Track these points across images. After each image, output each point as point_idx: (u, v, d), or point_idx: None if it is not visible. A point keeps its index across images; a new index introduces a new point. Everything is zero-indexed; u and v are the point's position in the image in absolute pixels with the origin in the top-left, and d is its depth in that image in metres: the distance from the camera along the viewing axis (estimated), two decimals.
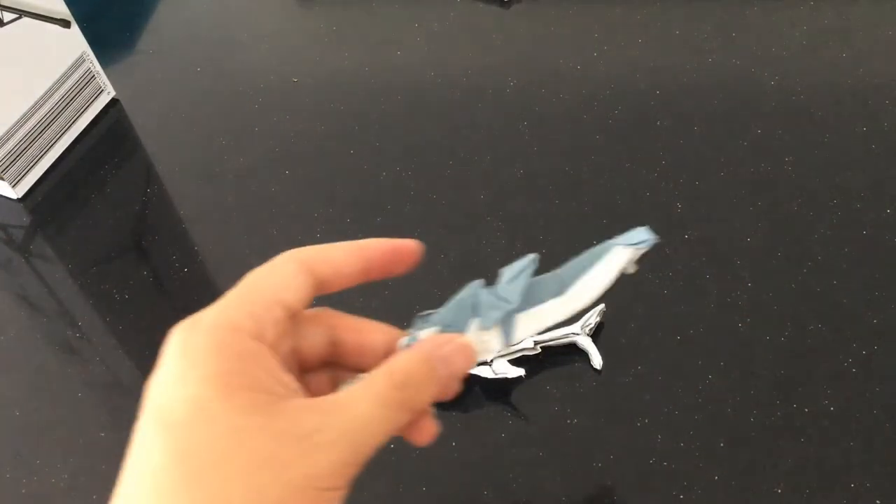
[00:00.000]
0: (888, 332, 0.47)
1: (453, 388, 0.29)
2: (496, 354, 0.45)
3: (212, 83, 0.65)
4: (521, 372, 0.45)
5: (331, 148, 0.60)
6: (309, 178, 0.58)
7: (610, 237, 0.36)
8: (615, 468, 0.43)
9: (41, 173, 0.60)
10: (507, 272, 0.31)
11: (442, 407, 0.45)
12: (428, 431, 0.30)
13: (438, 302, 0.32)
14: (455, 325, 0.30)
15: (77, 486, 0.45)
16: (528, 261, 0.31)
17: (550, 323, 0.31)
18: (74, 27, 0.58)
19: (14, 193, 0.58)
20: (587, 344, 0.47)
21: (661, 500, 0.42)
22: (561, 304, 0.31)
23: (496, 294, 0.30)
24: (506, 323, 0.30)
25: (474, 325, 0.30)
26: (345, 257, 0.29)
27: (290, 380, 0.26)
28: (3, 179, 0.57)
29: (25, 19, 0.54)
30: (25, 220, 0.58)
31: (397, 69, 0.65)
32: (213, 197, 0.57)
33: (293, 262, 0.28)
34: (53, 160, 0.60)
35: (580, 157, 0.57)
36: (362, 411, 0.26)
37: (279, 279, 0.28)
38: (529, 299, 0.30)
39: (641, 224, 0.37)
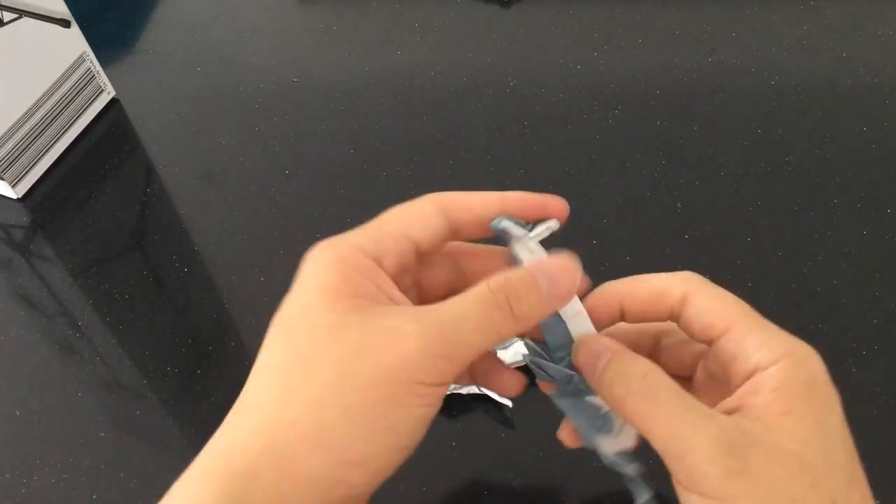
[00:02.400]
0: (888, 332, 0.47)
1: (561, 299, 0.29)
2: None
3: (212, 83, 0.65)
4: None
5: (331, 148, 0.59)
6: (309, 178, 0.58)
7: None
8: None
9: (41, 173, 0.60)
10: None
11: (442, 408, 0.45)
12: (515, 381, 0.31)
13: None
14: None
15: (77, 486, 0.45)
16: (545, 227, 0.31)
17: None
18: (74, 27, 0.58)
19: (14, 193, 0.58)
20: None
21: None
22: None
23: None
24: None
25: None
26: (483, 206, 0.31)
27: (400, 297, 0.28)
28: (3, 179, 0.57)
29: (25, 19, 0.54)
30: (25, 220, 0.58)
31: (397, 69, 0.65)
32: (213, 197, 0.57)
33: (431, 203, 0.30)
34: (53, 160, 0.60)
35: (580, 156, 0.57)
36: (457, 307, 0.27)
37: (413, 216, 0.30)
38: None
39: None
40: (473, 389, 0.44)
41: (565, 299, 0.29)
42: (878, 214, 0.52)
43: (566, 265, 0.29)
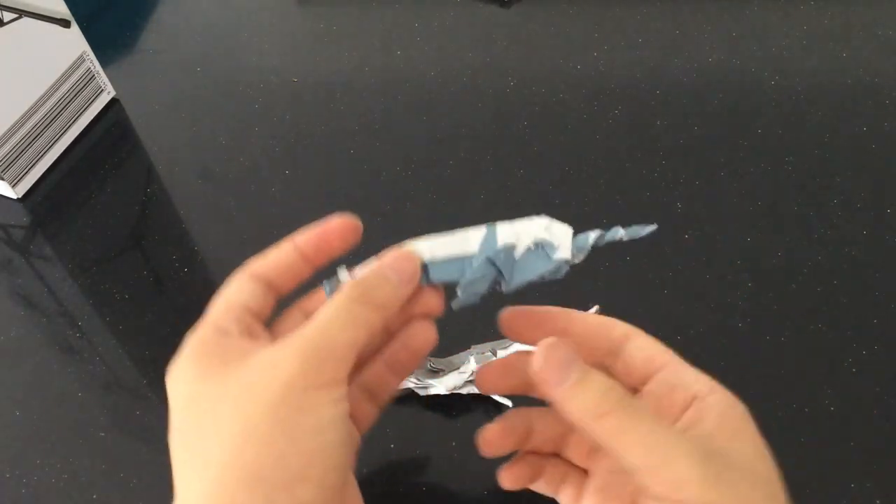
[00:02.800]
0: (888, 332, 0.47)
1: (427, 298, 0.32)
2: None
3: (212, 83, 0.65)
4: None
5: (331, 148, 0.59)
6: (309, 178, 0.58)
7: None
8: None
9: (41, 173, 0.60)
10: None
11: (442, 408, 0.45)
12: (428, 302, 0.33)
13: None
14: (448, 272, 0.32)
15: (77, 486, 0.45)
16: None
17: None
18: (74, 27, 0.58)
19: (14, 193, 0.58)
20: None
21: None
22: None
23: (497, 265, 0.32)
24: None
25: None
26: (279, 254, 0.34)
27: (268, 339, 0.31)
28: (3, 179, 0.57)
29: (25, 19, 0.54)
30: (25, 220, 0.58)
31: (397, 69, 0.65)
32: (213, 197, 0.57)
33: (242, 274, 0.34)
34: (53, 160, 0.60)
35: (580, 156, 0.57)
36: (320, 316, 0.29)
37: (233, 289, 0.33)
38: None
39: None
40: (473, 389, 0.44)
41: (413, 278, 0.32)
42: (878, 214, 0.52)
43: (402, 252, 0.32)
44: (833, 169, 0.55)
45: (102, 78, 0.63)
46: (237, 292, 0.33)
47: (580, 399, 0.28)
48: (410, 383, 0.44)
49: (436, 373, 0.43)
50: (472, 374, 0.44)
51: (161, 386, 0.51)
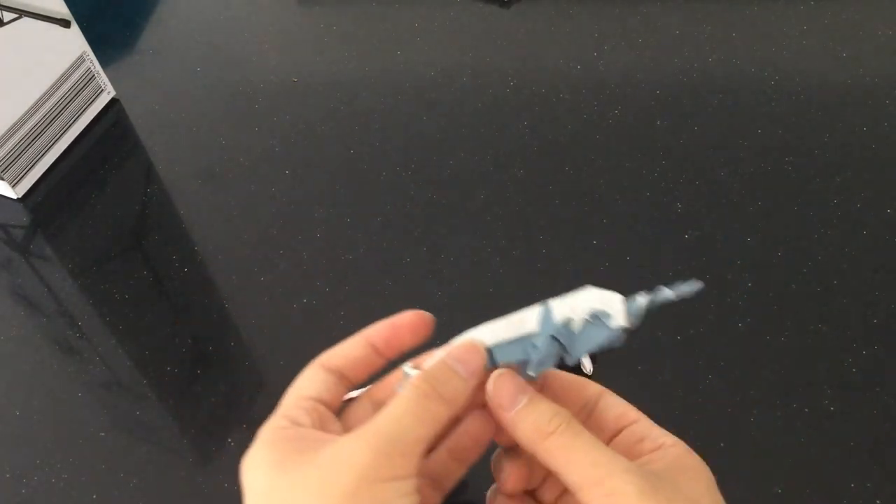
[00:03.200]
0: (888, 332, 0.47)
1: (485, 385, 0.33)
2: None
3: (212, 83, 0.65)
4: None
5: (331, 148, 0.60)
6: (309, 178, 0.58)
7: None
8: None
9: (41, 173, 0.60)
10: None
11: None
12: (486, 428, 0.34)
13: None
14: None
15: (77, 486, 0.45)
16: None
17: None
18: (74, 27, 0.58)
19: (14, 193, 0.58)
20: None
21: None
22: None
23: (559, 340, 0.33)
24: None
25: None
26: (351, 347, 0.35)
27: (340, 430, 0.33)
28: (3, 179, 0.57)
29: (25, 19, 0.54)
30: (25, 220, 0.58)
31: (397, 69, 0.65)
32: (213, 197, 0.57)
33: (314, 365, 0.35)
34: (53, 160, 0.60)
35: (580, 157, 0.57)
36: (391, 410, 0.30)
37: (305, 380, 0.34)
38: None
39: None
40: None
41: (479, 370, 0.33)
42: (878, 214, 0.52)
43: (468, 343, 0.33)
44: (833, 169, 0.55)
45: (102, 78, 0.63)
46: (309, 384, 0.34)
47: (528, 421, 0.31)
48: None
49: None
50: None
51: (162, 386, 0.51)
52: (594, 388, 0.35)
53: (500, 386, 0.32)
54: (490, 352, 0.33)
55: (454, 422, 0.35)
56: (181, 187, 0.58)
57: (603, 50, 0.64)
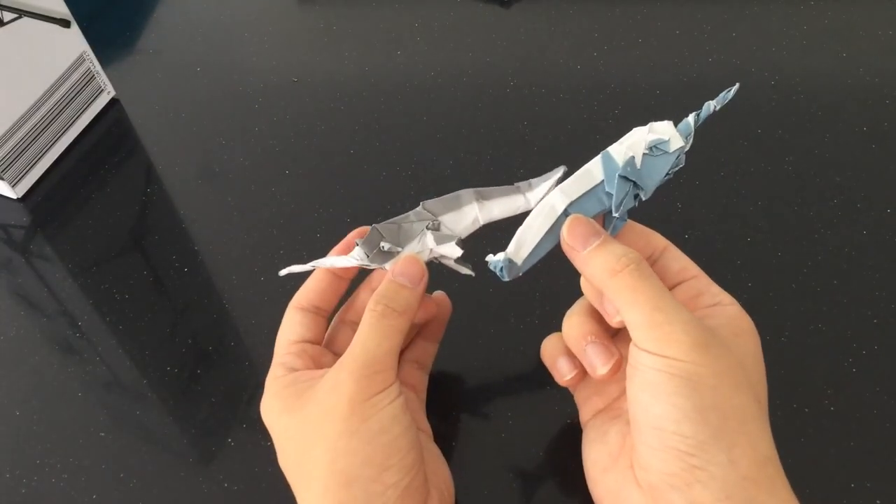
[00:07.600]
0: (888, 332, 0.47)
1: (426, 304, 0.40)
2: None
3: (212, 83, 0.65)
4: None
5: (331, 148, 0.60)
6: (309, 178, 0.58)
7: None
8: None
9: (41, 173, 0.60)
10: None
11: (442, 410, 0.45)
12: (428, 308, 0.40)
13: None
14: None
15: (77, 486, 0.45)
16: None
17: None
18: (74, 27, 0.58)
19: (14, 193, 0.58)
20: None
21: None
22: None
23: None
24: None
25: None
26: (316, 281, 0.40)
27: (331, 362, 0.37)
28: (3, 179, 0.57)
29: (25, 19, 0.54)
30: (25, 220, 0.58)
31: (397, 69, 0.65)
32: (213, 197, 0.57)
33: (290, 310, 0.40)
34: (53, 160, 0.60)
35: (580, 156, 0.57)
36: (359, 336, 0.35)
37: (286, 326, 0.39)
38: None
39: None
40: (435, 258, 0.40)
41: (423, 277, 0.37)
42: (878, 214, 0.52)
43: (406, 257, 0.37)
44: (833, 169, 0.55)
45: (102, 78, 0.63)
46: (291, 328, 0.39)
47: (599, 259, 0.33)
48: (354, 260, 0.40)
49: (391, 255, 0.39)
50: (430, 251, 0.39)
51: (162, 386, 0.51)
52: (661, 240, 0.37)
53: (573, 228, 0.35)
54: (567, 214, 0.35)
55: (416, 325, 0.40)
56: (181, 187, 0.58)
57: (603, 50, 0.64)
